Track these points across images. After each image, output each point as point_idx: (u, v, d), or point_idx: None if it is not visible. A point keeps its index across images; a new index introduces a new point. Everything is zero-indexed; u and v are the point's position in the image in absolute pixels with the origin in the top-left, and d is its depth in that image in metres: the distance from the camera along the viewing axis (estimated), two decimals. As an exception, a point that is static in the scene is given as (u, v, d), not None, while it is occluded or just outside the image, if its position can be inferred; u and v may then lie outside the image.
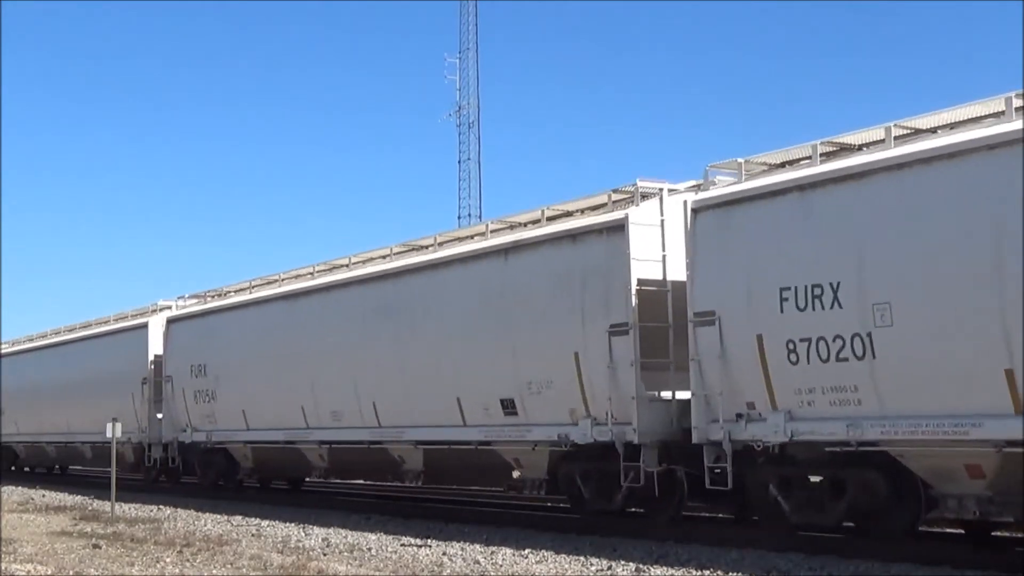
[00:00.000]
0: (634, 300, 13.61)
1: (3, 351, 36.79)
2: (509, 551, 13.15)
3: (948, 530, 13.12)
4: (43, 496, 25.57)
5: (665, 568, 11.54)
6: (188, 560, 12.93)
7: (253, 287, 22.78)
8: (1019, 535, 12.63)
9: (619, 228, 13.97)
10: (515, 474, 16.50)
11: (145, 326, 25.91)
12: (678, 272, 13.74)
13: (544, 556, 12.72)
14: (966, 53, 69.94)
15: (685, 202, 13.15)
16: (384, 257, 19.23)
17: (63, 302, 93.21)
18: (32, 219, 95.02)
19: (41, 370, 32.32)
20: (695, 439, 12.85)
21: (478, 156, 56.91)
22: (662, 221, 14.02)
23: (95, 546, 14.51)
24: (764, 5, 78.17)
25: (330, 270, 20.73)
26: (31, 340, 35.30)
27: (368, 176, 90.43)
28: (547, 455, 15.40)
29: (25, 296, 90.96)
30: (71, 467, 36.46)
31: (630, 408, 13.64)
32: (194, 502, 21.80)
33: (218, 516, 19.01)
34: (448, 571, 11.79)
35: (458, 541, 14.32)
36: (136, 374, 25.94)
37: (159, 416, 25.32)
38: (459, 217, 57.01)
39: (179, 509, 20.51)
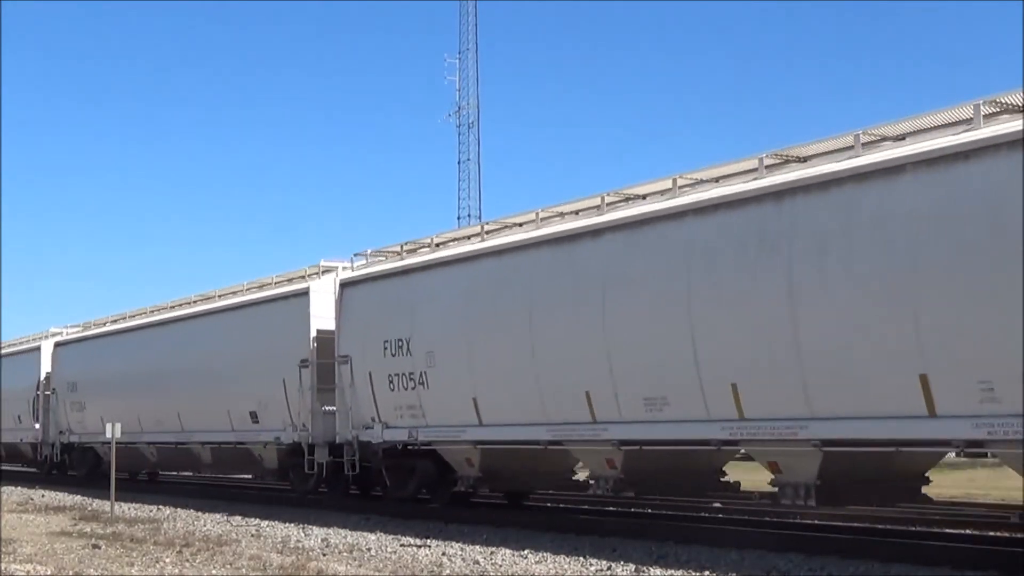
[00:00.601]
0: None
1: (82, 334, 30.94)
2: (509, 551, 13.02)
3: (948, 530, 13.36)
4: (43, 496, 25.16)
5: (665, 568, 11.44)
6: (188, 560, 12.81)
7: (487, 232, 16.85)
8: (1019, 535, 12.48)
9: None
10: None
11: (306, 293, 20.02)
12: None
13: (544, 556, 12.60)
14: (966, 53, 67.44)
15: None
16: (742, 174, 13.39)
17: (59, 304, 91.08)
18: (30, 219, 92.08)
19: (140, 355, 26.29)
20: None
21: (478, 157, 56.97)
22: None
23: (95, 546, 14.33)
24: (764, 5, 76.26)
25: (624, 201, 14.89)
26: (118, 320, 29.40)
27: (368, 176, 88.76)
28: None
29: (23, 296, 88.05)
30: (164, 472, 30.82)
31: None
32: (194, 502, 21.75)
33: (217, 516, 18.95)
34: (447, 571, 11.69)
35: (458, 541, 14.21)
36: (290, 354, 20.04)
37: (326, 409, 19.52)
38: (459, 217, 56.54)
39: (179, 509, 20.42)
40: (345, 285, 19.02)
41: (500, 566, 12.00)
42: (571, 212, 15.59)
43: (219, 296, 24.37)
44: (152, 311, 27.41)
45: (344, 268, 19.90)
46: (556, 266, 14.82)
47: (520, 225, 16.48)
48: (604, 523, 14.95)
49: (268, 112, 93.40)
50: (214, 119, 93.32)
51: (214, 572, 11.76)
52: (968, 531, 13.95)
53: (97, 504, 22.04)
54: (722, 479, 14.94)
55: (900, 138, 11.85)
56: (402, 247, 18.53)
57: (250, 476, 26.85)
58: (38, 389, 32.07)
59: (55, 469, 31.95)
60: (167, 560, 12.81)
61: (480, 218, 55.36)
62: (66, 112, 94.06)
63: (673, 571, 11.25)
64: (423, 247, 18.19)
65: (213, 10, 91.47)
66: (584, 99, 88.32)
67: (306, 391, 19.64)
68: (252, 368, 21.33)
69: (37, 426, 32.18)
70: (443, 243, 17.73)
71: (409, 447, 17.67)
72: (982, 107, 10.93)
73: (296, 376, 19.85)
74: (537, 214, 15.65)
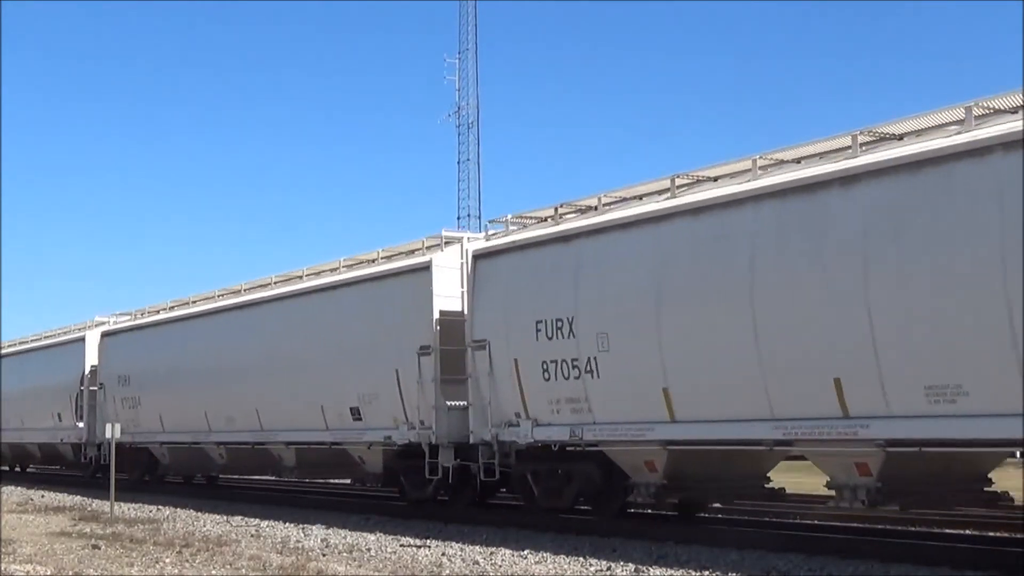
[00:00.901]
0: None
1: (137, 322, 27.99)
2: (508, 551, 12.95)
3: (947, 530, 13.76)
4: (42, 496, 25.12)
5: (665, 568, 11.38)
6: (187, 560, 12.74)
7: (678, 188, 13.88)
8: (1019, 535, 12.50)
9: None
10: None
11: (427, 267, 17.05)
12: None
13: (544, 556, 12.52)
14: (966, 53, 65.83)
15: None
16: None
17: (58, 303, 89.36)
18: (30, 219, 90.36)
19: (209, 344, 23.31)
20: None
21: (477, 157, 55.77)
22: None
23: (94, 546, 14.29)
24: (763, 5, 75.07)
25: (877, 141, 11.94)
26: (175, 307, 26.48)
27: (368, 176, 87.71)
28: None
29: (22, 296, 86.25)
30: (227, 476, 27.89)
31: None
32: (193, 502, 21.66)
33: (217, 516, 18.94)
34: (447, 571, 11.60)
35: (457, 541, 14.11)
36: (406, 340, 17.07)
37: (451, 404, 16.59)
38: (458, 217, 55.42)
39: (178, 509, 20.38)
40: (480, 257, 16.10)
41: (500, 566, 11.95)
42: (793, 160, 12.84)
43: (306, 275, 21.40)
44: (221, 295, 24.47)
45: (471, 239, 16.97)
46: (788, 223, 11.89)
47: (715, 179, 13.66)
48: (604, 523, 14.67)
49: (268, 112, 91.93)
50: (214, 119, 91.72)
51: (214, 572, 11.73)
52: (968, 531, 13.81)
53: (97, 504, 22.03)
54: (987, 488, 12.07)
55: None
56: (556, 209, 15.55)
57: (349, 480, 23.96)
58: (82, 384, 29.16)
59: (101, 472, 28.97)
60: (167, 560, 12.78)
61: (480, 218, 54.50)
62: (66, 112, 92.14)
63: (673, 571, 11.25)
64: (584, 208, 15.26)
65: (213, 10, 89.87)
66: (584, 99, 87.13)
67: (428, 383, 16.69)
68: (354, 358, 18.39)
69: (81, 424, 29.24)
70: (612, 203, 14.79)
71: (568, 448, 14.74)
72: None
73: (414, 366, 16.91)
74: (754, 161, 12.84)
